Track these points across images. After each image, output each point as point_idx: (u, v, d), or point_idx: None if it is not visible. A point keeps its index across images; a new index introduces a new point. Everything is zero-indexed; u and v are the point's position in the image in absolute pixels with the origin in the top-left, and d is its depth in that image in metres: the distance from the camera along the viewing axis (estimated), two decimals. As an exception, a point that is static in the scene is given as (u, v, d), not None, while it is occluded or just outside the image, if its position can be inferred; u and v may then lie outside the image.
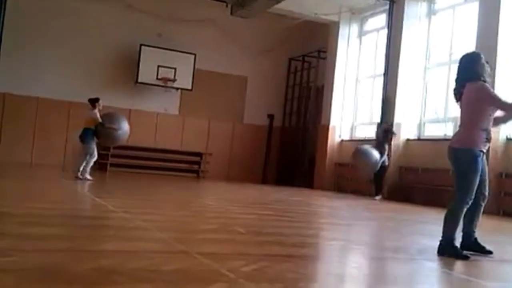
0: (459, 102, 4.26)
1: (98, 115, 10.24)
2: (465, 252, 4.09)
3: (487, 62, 4.23)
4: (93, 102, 10.42)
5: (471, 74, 4.14)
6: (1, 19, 11.95)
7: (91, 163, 10.28)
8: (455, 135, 4.35)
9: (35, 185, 8.95)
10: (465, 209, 4.10)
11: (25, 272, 2.48)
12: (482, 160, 4.14)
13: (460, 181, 4.11)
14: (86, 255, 3.01)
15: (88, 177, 10.07)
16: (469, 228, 4.25)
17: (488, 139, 4.13)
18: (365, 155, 11.41)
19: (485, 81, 4.12)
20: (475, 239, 4.26)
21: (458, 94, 4.24)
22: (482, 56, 4.24)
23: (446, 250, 4.04)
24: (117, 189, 9.84)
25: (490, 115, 4.12)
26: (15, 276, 2.38)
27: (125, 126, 10.68)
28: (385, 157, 11.92)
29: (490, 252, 4.21)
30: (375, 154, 11.42)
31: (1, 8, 11.85)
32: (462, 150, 4.12)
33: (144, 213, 5.58)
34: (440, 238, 4.14)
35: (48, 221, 4.52)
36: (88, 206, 5.94)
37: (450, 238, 4.06)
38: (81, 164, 10.13)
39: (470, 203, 4.08)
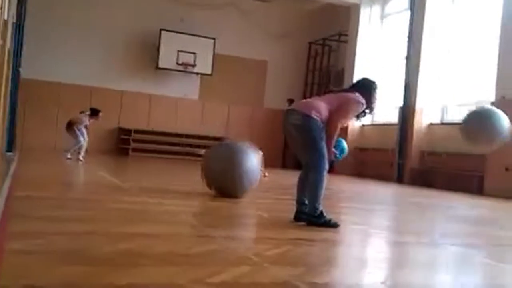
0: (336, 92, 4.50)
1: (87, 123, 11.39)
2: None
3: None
4: (96, 113, 11.47)
5: (362, 88, 4.36)
6: (24, 5, 12.06)
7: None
8: (309, 103, 4.29)
9: (59, 169, 9.09)
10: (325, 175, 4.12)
11: (52, 254, 2.53)
12: None
13: (313, 149, 4.09)
14: (111, 238, 3.05)
15: (69, 156, 11.06)
16: (304, 196, 4.22)
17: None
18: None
19: (367, 104, 4.30)
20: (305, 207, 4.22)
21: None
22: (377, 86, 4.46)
23: (317, 221, 4.02)
24: (139, 173, 9.95)
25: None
26: (43, 258, 2.43)
27: None
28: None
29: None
30: None
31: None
32: (315, 119, 4.09)
33: (166, 197, 5.63)
34: (306, 209, 4.12)
35: (73, 205, 4.60)
36: (111, 190, 6.02)
37: (318, 207, 4.06)
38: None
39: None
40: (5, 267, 2.20)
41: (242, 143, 5.99)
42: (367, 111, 4.39)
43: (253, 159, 5.75)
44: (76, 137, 11.19)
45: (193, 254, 2.79)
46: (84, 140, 11.23)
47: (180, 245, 3.01)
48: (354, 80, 4.59)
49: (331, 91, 4.65)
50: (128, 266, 2.41)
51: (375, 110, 4.55)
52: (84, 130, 11.33)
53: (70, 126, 11.28)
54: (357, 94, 4.29)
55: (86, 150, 11.55)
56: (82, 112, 11.60)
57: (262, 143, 16.96)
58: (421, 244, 3.95)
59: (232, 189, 5.68)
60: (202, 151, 11.18)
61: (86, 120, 11.43)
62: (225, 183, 5.67)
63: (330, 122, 4.15)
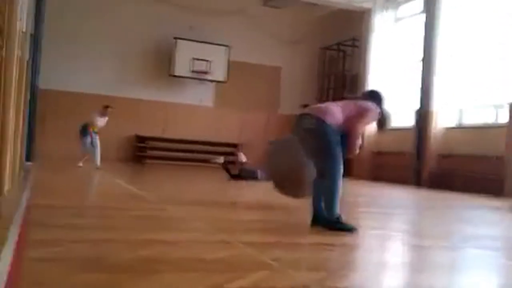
0: (351, 100, 4.58)
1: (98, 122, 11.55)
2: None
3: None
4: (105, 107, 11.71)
5: (374, 99, 4.46)
6: (41, 16, 12.25)
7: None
8: (323, 108, 4.29)
9: (77, 178, 9.17)
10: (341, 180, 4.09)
11: (71, 261, 2.54)
12: None
13: (328, 153, 4.06)
14: (130, 245, 3.06)
15: (80, 164, 11.38)
16: (320, 200, 4.21)
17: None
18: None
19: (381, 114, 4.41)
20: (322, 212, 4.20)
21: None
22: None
23: (335, 225, 4.00)
24: (155, 180, 9.99)
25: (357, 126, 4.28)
26: (62, 265, 2.44)
27: None
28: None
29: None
30: None
31: (42, 6, 12.17)
32: (329, 124, 4.09)
33: (183, 204, 5.65)
34: (323, 214, 4.10)
35: (91, 213, 4.64)
36: (128, 198, 6.05)
37: (336, 212, 4.03)
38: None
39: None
40: (25, 274, 2.22)
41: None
42: (386, 124, 4.52)
43: None
44: (83, 144, 11.43)
45: (211, 260, 2.78)
46: (92, 149, 11.40)
47: (198, 251, 3.01)
48: (367, 89, 4.68)
49: (345, 98, 4.71)
50: (147, 273, 2.41)
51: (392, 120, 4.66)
52: (97, 138, 11.45)
53: (85, 129, 11.44)
54: (373, 103, 4.39)
55: (100, 158, 11.71)
56: None
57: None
58: (441, 248, 3.90)
59: (300, 189, 5.31)
60: (218, 159, 11.30)
61: (96, 116, 11.57)
62: (292, 183, 5.30)
63: (352, 129, 4.20)
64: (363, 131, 4.50)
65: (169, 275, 2.40)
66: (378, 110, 4.38)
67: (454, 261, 3.47)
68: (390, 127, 4.64)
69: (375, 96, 4.53)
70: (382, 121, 4.51)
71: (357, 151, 4.33)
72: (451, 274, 3.03)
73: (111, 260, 2.63)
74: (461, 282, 2.90)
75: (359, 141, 4.29)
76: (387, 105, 4.58)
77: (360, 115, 4.25)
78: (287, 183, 5.38)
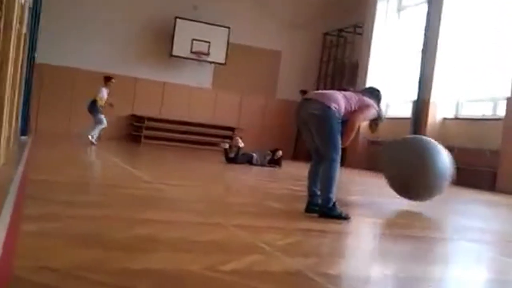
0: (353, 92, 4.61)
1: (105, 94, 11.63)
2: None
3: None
4: (108, 79, 11.84)
5: (374, 96, 4.55)
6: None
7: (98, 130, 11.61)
8: (329, 94, 4.33)
9: (73, 154, 9.17)
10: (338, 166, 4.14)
11: (67, 237, 2.56)
12: None
13: (329, 140, 4.12)
14: (125, 223, 3.08)
15: (94, 141, 11.22)
16: (316, 187, 4.27)
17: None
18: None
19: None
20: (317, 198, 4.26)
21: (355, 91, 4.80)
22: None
23: (330, 212, 4.04)
24: (151, 161, 10.00)
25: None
26: (59, 240, 2.46)
27: None
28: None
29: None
30: None
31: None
32: (334, 111, 4.14)
33: (179, 185, 5.66)
34: (319, 201, 4.14)
35: (89, 190, 4.65)
36: (125, 177, 6.07)
37: (331, 199, 4.06)
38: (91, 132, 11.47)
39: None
40: (21, 248, 2.23)
41: (426, 140, 5.51)
42: (379, 121, 4.60)
43: (444, 159, 5.39)
44: (99, 121, 11.49)
45: (205, 241, 2.80)
46: (101, 125, 11.57)
47: (193, 232, 3.03)
48: (366, 85, 4.75)
49: (344, 89, 4.73)
50: (142, 251, 2.44)
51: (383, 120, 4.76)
52: (103, 116, 11.56)
53: (95, 105, 11.52)
54: (373, 101, 4.46)
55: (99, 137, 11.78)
56: None
57: (274, 134, 17.08)
58: (434, 239, 3.94)
59: (421, 195, 5.39)
60: (224, 145, 11.27)
61: (103, 89, 11.69)
62: (411, 189, 5.36)
63: (352, 121, 4.27)
64: (360, 125, 4.56)
65: (164, 255, 2.43)
66: (377, 108, 4.46)
67: (446, 253, 3.50)
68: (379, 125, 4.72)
69: (374, 94, 4.60)
70: (376, 121, 4.58)
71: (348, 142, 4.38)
72: (441, 266, 3.06)
73: (107, 237, 2.66)
74: (450, 274, 2.93)
75: (354, 134, 4.33)
76: (383, 101, 4.69)
77: (361, 110, 4.32)
78: (407, 189, 5.41)
